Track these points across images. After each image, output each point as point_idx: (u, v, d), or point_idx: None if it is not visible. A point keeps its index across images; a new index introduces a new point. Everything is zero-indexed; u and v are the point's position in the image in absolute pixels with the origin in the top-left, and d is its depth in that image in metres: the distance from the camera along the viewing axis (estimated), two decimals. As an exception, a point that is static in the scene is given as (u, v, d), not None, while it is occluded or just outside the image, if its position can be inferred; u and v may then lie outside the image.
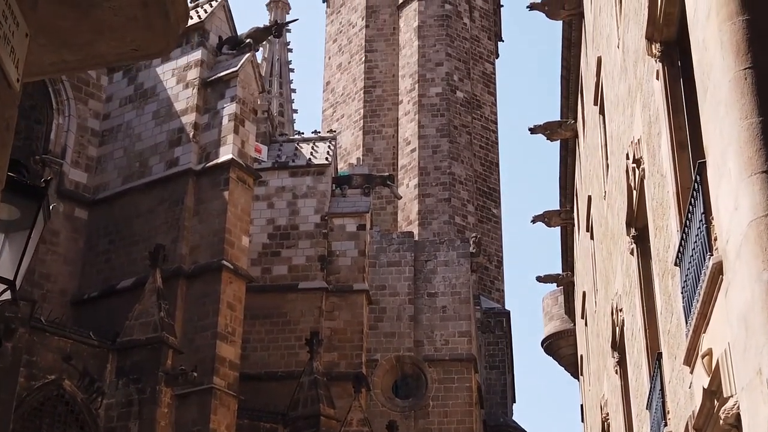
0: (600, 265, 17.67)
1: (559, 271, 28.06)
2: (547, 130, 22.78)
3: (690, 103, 8.74)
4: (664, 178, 9.12)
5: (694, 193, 7.28)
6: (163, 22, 4.37)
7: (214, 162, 23.73)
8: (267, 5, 57.07)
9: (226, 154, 23.61)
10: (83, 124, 25.68)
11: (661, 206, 9.47)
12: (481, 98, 47.00)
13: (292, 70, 59.80)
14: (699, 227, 7.17)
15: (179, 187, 23.72)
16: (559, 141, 23.70)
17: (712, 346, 6.98)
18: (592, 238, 19.27)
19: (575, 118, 22.10)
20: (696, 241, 7.30)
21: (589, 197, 19.20)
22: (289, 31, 61.49)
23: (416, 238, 37.11)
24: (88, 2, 4.19)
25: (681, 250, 7.93)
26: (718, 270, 6.52)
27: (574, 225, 24.88)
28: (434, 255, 34.51)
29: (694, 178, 7.33)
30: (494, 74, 48.63)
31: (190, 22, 25.69)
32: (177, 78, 25.14)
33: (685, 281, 7.84)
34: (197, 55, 25.09)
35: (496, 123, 47.48)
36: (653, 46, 9.29)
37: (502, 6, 51.93)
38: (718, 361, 6.71)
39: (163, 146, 24.63)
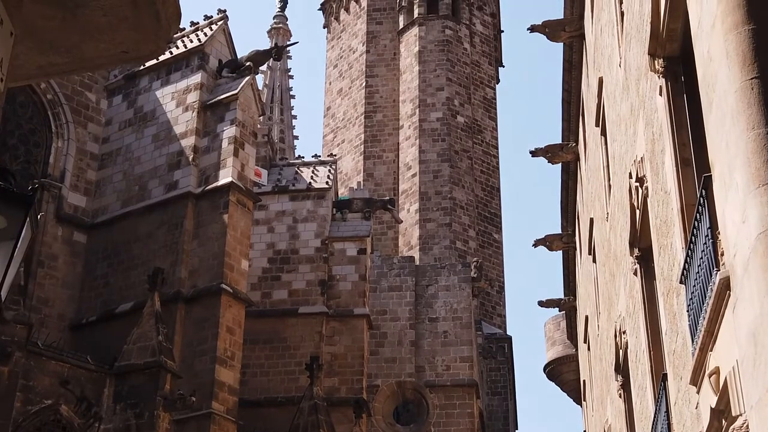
0: (603, 288, 17.53)
1: (561, 296, 27.92)
2: (549, 152, 22.72)
3: (694, 119, 8.65)
4: (668, 195, 9.00)
5: (700, 208, 7.16)
6: (153, 22, 4.24)
7: (214, 185, 23.61)
8: (268, 32, 57.22)
9: (225, 177, 23.50)
10: (82, 148, 25.59)
11: (665, 224, 9.34)
12: (481, 123, 46.99)
13: (293, 97, 59.92)
14: (705, 242, 7.04)
15: (178, 210, 23.59)
16: (560, 164, 23.65)
17: (719, 364, 6.85)
18: (594, 261, 19.16)
19: (576, 141, 22.05)
20: (702, 257, 7.17)
21: (591, 220, 19.09)
22: (290, 57, 61.73)
23: (417, 263, 36.97)
24: (75, 2, 4.05)
25: (686, 267, 7.80)
26: (725, 285, 6.38)
27: (575, 249, 24.78)
28: (435, 280, 34.37)
29: (699, 193, 7.21)
30: (495, 99, 48.65)
31: (190, 45, 25.67)
32: (177, 101, 25.08)
33: (691, 299, 7.71)
34: (197, 78, 25.03)
35: (497, 148, 47.45)
36: (656, 62, 9.20)
37: (503, 32, 52.07)
38: (726, 379, 6.56)
39: (162, 169, 24.53)
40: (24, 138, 25.00)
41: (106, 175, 25.62)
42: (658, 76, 9.14)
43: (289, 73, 60.75)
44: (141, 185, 24.80)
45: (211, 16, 26.34)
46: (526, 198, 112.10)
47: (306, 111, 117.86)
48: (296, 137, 57.17)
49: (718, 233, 6.71)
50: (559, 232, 25.69)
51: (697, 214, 7.25)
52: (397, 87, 46.67)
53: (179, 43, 26.29)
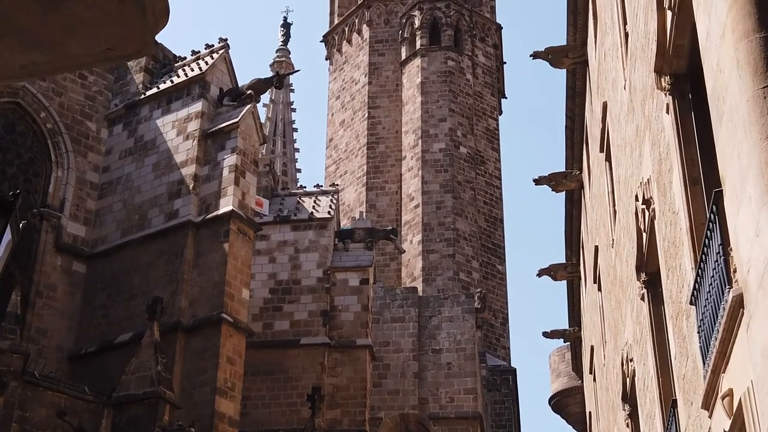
0: (608, 316, 17.34)
1: (566, 327, 27.71)
2: (552, 181, 22.60)
3: (702, 137, 8.49)
4: (676, 215, 8.82)
5: (711, 225, 6.98)
6: (140, 18, 4.03)
7: (214, 214, 23.43)
8: (271, 65, 57.38)
9: (226, 206, 23.32)
10: (82, 177, 25.45)
11: (674, 245, 9.16)
12: (484, 154, 46.89)
13: (296, 130, 60.04)
14: (716, 260, 6.85)
15: (179, 239, 23.40)
16: (564, 193, 23.51)
17: (732, 386, 6.64)
18: (599, 289, 19.00)
19: (580, 169, 21.94)
20: (713, 275, 6.98)
21: (596, 247, 18.95)
22: (292, 90, 61.94)
23: (420, 294, 36.73)
24: (59, -6, 3.85)
25: (696, 287, 7.61)
26: (739, 303, 6.19)
27: (580, 278, 24.61)
28: (439, 311, 34.13)
29: (709, 209, 7.02)
30: (497, 130, 48.58)
31: (191, 73, 25.59)
32: (177, 130, 24.96)
33: (702, 320, 7.51)
34: (198, 106, 24.92)
35: (500, 179, 47.31)
36: (663, 80, 9.05)
37: (505, 63, 52.09)
38: (740, 401, 6.35)
39: (162, 198, 24.36)
40: (23, 167, 24.88)
41: (106, 204, 25.46)
42: (665, 94, 9.00)
43: (292, 106, 60.94)
44: (141, 214, 24.62)
45: (213, 45, 26.29)
46: (530, 228, 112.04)
47: (308, 143, 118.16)
48: (299, 170, 57.22)
49: (730, 249, 6.54)
50: (564, 261, 25.53)
51: (708, 232, 7.07)
52: (400, 118, 46.64)
53: (180, 71, 26.24)
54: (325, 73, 52.80)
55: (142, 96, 26.16)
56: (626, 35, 12.06)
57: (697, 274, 7.54)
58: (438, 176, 43.90)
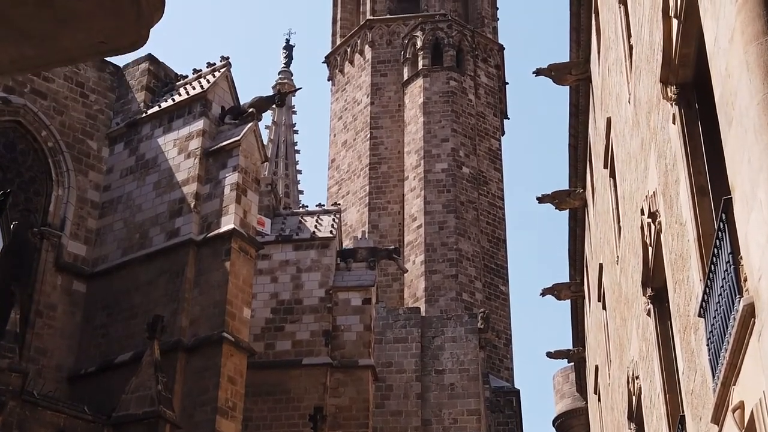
0: (613, 334, 17.20)
1: (570, 347, 27.56)
2: (556, 199, 22.51)
3: (709, 146, 8.39)
4: (683, 226, 8.69)
5: (720, 233, 6.84)
6: (134, 9, 3.91)
7: (216, 232, 23.29)
8: (272, 87, 57.42)
9: (227, 224, 23.18)
10: (83, 196, 25.35)
11: (681, 258, 9.03)
12: (487, 174, 46.79)
13: (298, 152, 60.07)
14: (726, 269, 6.71)
15: (180, 258, 23.26)
16: (567, 211, 23.42)
17: (743, 398, 6.49)
18: (604, 308, 18.88)
19: (584, 187, 21.85)
20: (723, 285, 6.84)
21: (600, 265, 18.84)
22: (294, 112, 61.97)
23: (423, 314, 36.53)
24: (50, -15, 3.72)
25: (705, 298, 7.48)
26: (750, 312, 6.05)
27: (584, 297, 24.48)
28: (441, 331, 33.94)
29: (719, 217, 6.89)
30: (500, 150, 48.51)
31: (192, 92, 25.53)
32: (179, 148, 24.87)
33: (711, 331, 7.37)
34: (199, 124, 24.84)
35: (502, 199, 47.19)
36: (669, 89, 8.95)
37: (507, 83, 52.08)
38: (752, 413, 6.20)
39: (163, 217, 24.24)
40: (24, 186, 24.79)
41: (107, 223, 25.35)
42: (671, 104, 8.89)
43: (294, 129, 60.97)
44: (142, 233, 24.50)
45: (214, 63, 26.25)
46: (533, 248, 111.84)
47: (310, 163, 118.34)
48: (301, 192, 57.18)
49: (740, 258, 6.41)
50: (567, 280, 25.42)
51: (717, 241, 6.93)
52: (402, 138, 46.58)
53: (182, 90, 26.19)
54: (327, 93, 52.80)
55: (144, 114, 26.10)
56: (630, 48, 12.00)
57: (706, 285, 7.42)
58: (440, 196, 43.78)
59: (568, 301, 26.28)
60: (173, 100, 25.86)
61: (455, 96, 46.27)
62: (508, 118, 51.72)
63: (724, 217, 6.72)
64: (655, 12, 9.32)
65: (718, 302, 7.02)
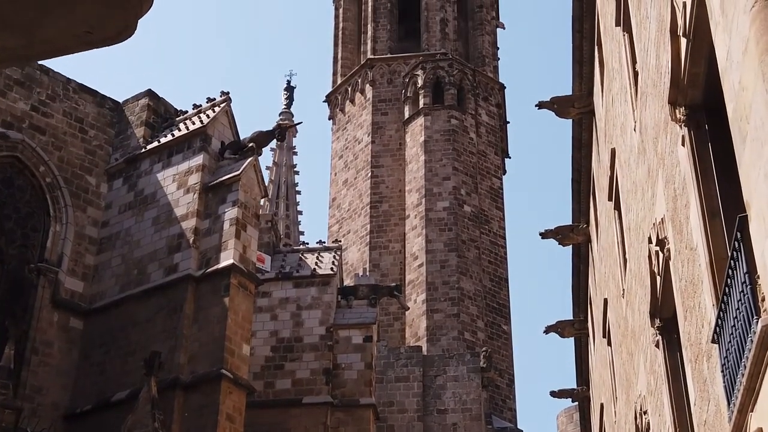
0: (619, 370, 16.96)
1: (574, 386, 27.27)
2: (559, 234, 22.35)
3: (719, 169, 8.19)
4: (694, 251, 8.47)
5: (734, 253, 6.61)
6: (122, -5, 3.68)
7: (215, 267, 23.02)
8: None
9: (227, 260, 22.93)
10: (81, 232, 25.11)
11: (692, 284, 8.80)
12: (488, 213, 46.63)
13: (299, 193, 60.02)
14: (742, 290, 6.48)
15: (178, 294, 22.98)
16: (570, 247, 23.24)
17: (762, 424, 6.27)
18: (609, 344, 18.66)
19: (587, 222, 21.70)
20: (738, 308, 6.60)
21: (605, 300, 18.64)
22: (295, 153, 61.98)
23: (424, 353, 36.20)
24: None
25: (719, 323, 7.23)
26: (768, 334, 5.79)
27: (588, 335, 24.25)
28: (443, 370, 33.61)
29: (733, 236, 6.65)
30: (501, 189, 48.39)
31: (192, 127, 25.42)
32: (178, 183, 24.69)
33: (726, 357, 7.12)
34: (199, 159, 24.67)
35: (504, 238, 46.97)
36: (677, 111, 8.77)
37: (509, 122, 52.10)
38: (772, 439, 5.92)
39: (162, 252, 24.00)
40: (21, 222, 24.57)
41: (105, 259, 25.10)
42: (680, 126, 8.71)
43: (295, 169, 60.95)
44: (140, 269, 24.24)
45: (214, 99, 26.15)
46: (536, 286, 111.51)
47: (311, 203, 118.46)
48: (302, 233, 57.00)
49: (758, 277, 6.18)
50: (571, 318, 25.20)
51: (731, 261, 6.70)
52: (403, 177, 46.48)
53: (181, 125, 26.06)
54: (327, 132, 52.72)
55: (143, 150, 25.95)
56: (635, 75, 11.88)
57: (720, 309, 7.18)
58: (442, 235, 43.59)
59: (572, 340, 26.06)
60: (173, 135, 25.73)
61: (456, 134, 46.24)
62: (509, 157, 51.71)
63: (739, 236, 6.49)
64: (662, 34, 9.18)
65: (734, 325, 6.80)
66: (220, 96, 26.12)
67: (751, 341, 6.21)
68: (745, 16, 6.12)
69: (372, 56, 50.15)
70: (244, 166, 24.14)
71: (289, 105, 60.73)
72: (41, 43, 3.86)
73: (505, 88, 51.54)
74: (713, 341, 7.54)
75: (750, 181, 6.24)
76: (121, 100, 27.28)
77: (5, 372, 18.46)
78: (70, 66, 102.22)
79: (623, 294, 14.93)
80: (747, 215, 6.38)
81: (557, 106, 19.34)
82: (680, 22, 8.14)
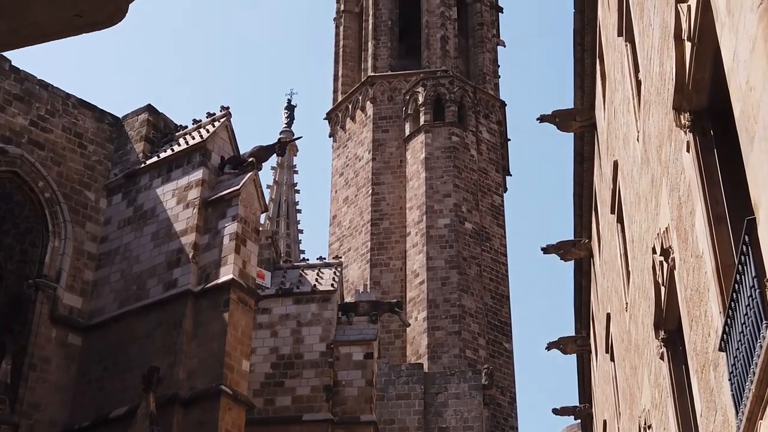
0: (623, 385, 16.84)
1: (577, 403, 27.13)
2: (561, 249, 22.25)
3: (725, 175, 8.08)
4: (700, 258, 8.36)
5: (742, 257, 6.48)
6: (110, -23, 3.55)
7: (214, 282, 22.86)
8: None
9: (226, 275, 22.77)
10: (80, 248, 24.96)
11: (698, 293, 8.68)
12: (490, 230, 46.51)
13: (299, 211, 60.01)
14: (750, 294, 6.35)
15: (177, 309, 22.81)
16: (573, 262, 23.14)
17: (772, 432, 6.08)
18: (612, 359, 18.56)
19: (589, 237, 21.62)
20: (747, 313, 6.48)
21: (608, 315, 18.55)
22: (296, 172, 61.97)
23: (426, 371, 35.99)
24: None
25: (726, 330, 7.11)
26: (779, 338, 5.66)
27: (590, 351, 24.12)
28: (445, 387, 33.43)
29: (741, 239, 6.52)
30: (503, 206, 48.28)
31: (192, 141, 25.33)
32: (177, 198, 24.56)
33: (734, 364, 6.99)
34: (198, 174, 24.55)
35: (505, 255, 46.83)
36: (682, 117, 8.67)
37: (509, 140, 52.06)
38: (783, 447, 5.77)
39: (161, 268, 23.84)
40: (20, 237, 24.42)
41: (104, 275, 24.93)
42: (685, 131, 8.61)
43: (296, 188, 60.92)
44: (139, 284, 24.08)
45: (214, 114, 26.07)
46: (537, 303, 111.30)
47: (312, 220, 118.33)
48: (302, 251, 56.86)
49: (766, 281, 6.05)
50: (573, 334, 25.07)
51: (740, 266, 6.58)
52: (404, 194, 46.39)
53: (181, 140, 25.97)
54: (328, 150, 52.65)
55: (143, 165, 25.85)
56: (638, 84, 11.82)
57: (728, 316, 7.05)
58: (443, 252, 43.45)
59: (574, 356, 25.92)
60: (172, 150, 25.62)
61: (457, 151, 46.18)
62: (510, 175, 51.62)
63: (746, 239, 6.36)
64: (666, 40, 9.10)
65: (742, 332, 6.67)
66: (220, 111, 26.05)
67: (760, 347, 6.12)
68: (753, 14, 6.03)
69: (373, 73, 50.16)
70: (244, 180, 24.03)
71: (289, 124, 60.82)
72: (29, 27, 3.73)
73: (505, 105, 51.55)
74: (720, 349, 7.42)
75: (758, 182, 6.13)
76: (120, 116, 27.19)
77: (2, 387, 18.29)
78: (70, 81, 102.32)
79: (626, 307, 14.85)
80: (755, 218, 6.27)
81: (559, 119, 19.28)
82: (684, 25, 8.05)
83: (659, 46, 9.70)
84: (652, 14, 10.07)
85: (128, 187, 25.83)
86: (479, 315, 42.93)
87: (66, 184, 25.27)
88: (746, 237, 6.38)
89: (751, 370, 6.43)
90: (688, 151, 8.55)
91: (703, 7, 7.37)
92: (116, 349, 23.49)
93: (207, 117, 26.10)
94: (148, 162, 25.79)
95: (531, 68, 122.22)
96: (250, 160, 24.54)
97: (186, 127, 26.48)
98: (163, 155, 25.71)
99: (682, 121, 8.66)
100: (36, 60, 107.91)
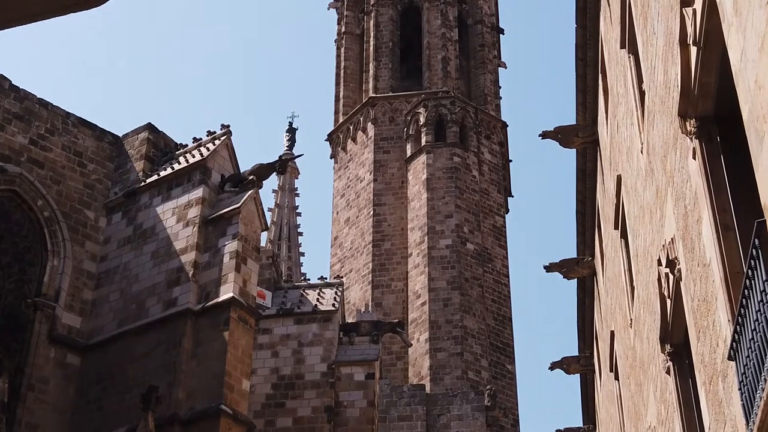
0: (627, 404, 16.66)
1: (580, 425, 26.92)
2: (564, 267, 22.12)
3: (732, 183, 7.94)
4: (707, 267, 8.20)
5: (752, 261, 6.32)
6: (98, -46, 3.40)
7: (214, 301, 22.64)
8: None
9: (226, 293, 22.56)
10: (79, 267, 24.76)
11: (705, 303, 8.52)
12: (492, 251, 46.32)
13: (301, 234, 59.77)
14: (761, 299, 6.18)
15: (177, 328, 22.58)
16: (575, 281, 23.00)
17: (785, 440, 5.90)
18: (616, 378, 18.40)
19: (592, 255, 21.49)
20: (757, 319, 6.32)
21: (612, 333, 18.39)
22: (297, 194, 61.82)
23: (428, 392, 35.71)
24: None
25: (736, 338, 6.93)
26: (791, 342, 5.50)
27: (594, 371, 23.93)
28: (447, 408, 33.11)
29: (751, 243, 6.36)
30: (504, 228, 48.11)
31: (192, 160, 25.20)
32: (177, 217, 24.40)
33: (744, 373, 6.82)
34: (198, 192, 24.40)
35: (507, 276, 46.63)
36: (688, 123, 8.53)
37: (511, 161, 51.95)
38: (796, 455, 5.59)
39: (161, 287, 23.63)
40: (18, 256, 24.23)
41: (103, 294, 24.72)
42: (691, 138, 8.47)
43: (297, 210, 60.80)
44: (138, 304, 23.87)
45: (215, 132, 25.97)
46: (540, 324, 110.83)
47: (313, 242, 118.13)
48: (303, 274, 56.59)
49: (778, 284, 5.89)
50: (576, 354, 24.91)
51: (749, 271, 6.41)
52: (405, 215, 46.23)
53: (181, 158, 25.84)
54: (329, 171, 52.61)
55: (142, 183, 25.70)
56: (642, 95, 11.72)
57: (737, 323, 6.88)
58: (445, 273, 43.25)
59: (578, 377, 25.74)
60: (172, 168, 25.49)
61: (459, 172, 46.06)
62: (512, 196, 51.47)
63: (756, 243, 6.21)
64: (671, 46, 8.98)
65: (752, 338, 6.51)
66: (221, 129, 25.95)
67: (772, 353, 5.93)
68: (761, 11, 5.92)
69: (374, 94, 50.14)
70: (244, 198, 23.88)
71: (291, 146, 60.81)
72: (15, 6, 3.56)
73: (507, 126, 51.49)
74: (729, 358, 7.26)
75: (767, 185, 6.00)
76: (120, 134, 27.08)
77: (0, 407, 18.05)
78: (70, 100, 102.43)
79: (631, 323, 14.70)
80: (765, 220, 6.12)
81: (561, 135, 19.16)
82: (690, 30, 7.94)
83: (663, 53, 9.59)
84: (655, 22, 9.95)
85: (128, 205, 25.67)
86: (481, 336, 42.68)
87: (65, 202, 25.12)
88: (756, 240, 6.23)
89: (763, 377, 6.28)
90: (694, 158, 8.41)
91: (710, 10, 7.25)
92: (115, 368, 23.25)
93: (207, 135, 25.99)
94: (148, 180, 25.65)
95: (532, 89, 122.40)
96: (251, 178, 24.40)
97: (186, 145, 26.35)
98: (163, 173, 25.57)
99: (688, 128, 8.53)
100: (36, 79, 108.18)
